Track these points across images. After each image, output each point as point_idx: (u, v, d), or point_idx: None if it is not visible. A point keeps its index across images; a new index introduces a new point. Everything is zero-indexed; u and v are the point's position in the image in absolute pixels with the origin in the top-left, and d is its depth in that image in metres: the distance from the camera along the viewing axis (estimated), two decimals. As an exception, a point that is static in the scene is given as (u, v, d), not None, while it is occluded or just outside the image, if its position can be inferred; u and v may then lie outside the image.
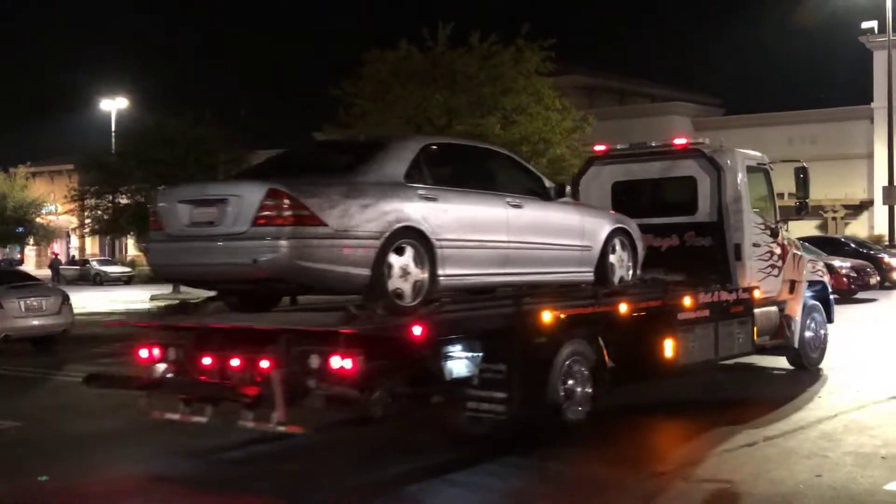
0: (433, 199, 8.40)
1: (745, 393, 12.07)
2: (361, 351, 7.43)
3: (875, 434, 9.34)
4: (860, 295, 25.59)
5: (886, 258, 29.61)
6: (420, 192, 8.34)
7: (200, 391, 8.29)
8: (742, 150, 13.14)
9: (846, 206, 47.04)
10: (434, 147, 9.14)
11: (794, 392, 11.86)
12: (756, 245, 12.44)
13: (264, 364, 7.66)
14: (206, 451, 9.27)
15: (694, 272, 11.80)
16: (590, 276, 10.27)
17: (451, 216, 8.52)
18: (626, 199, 12.49)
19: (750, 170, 12.82)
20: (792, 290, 13.18)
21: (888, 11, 36.05)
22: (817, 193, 47.17)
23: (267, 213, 7.42)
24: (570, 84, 40.65)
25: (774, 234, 12.88)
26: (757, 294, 12.08)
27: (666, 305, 10.56)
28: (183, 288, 25.40)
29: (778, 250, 12.90)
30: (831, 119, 48.44)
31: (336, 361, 7.44)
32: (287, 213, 7.38)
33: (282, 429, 7.56)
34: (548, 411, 8.89)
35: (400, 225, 7.97)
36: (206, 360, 8.20)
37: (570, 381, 9.12)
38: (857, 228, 45.09)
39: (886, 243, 36.49)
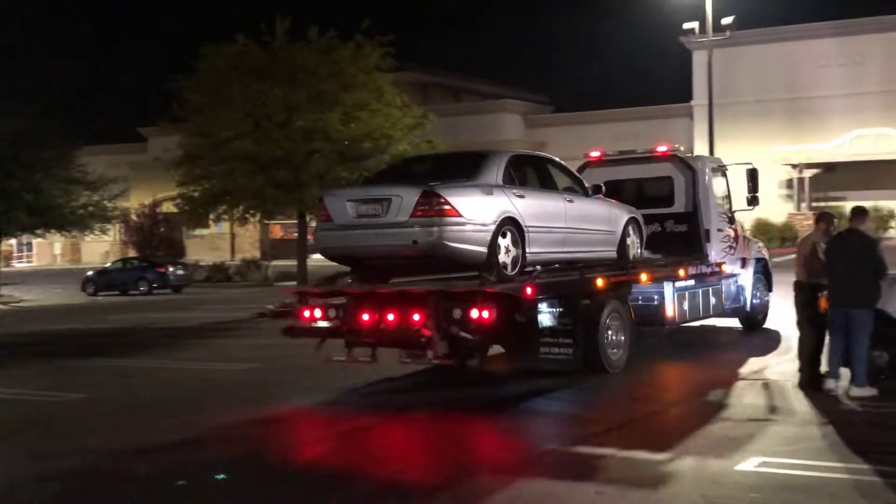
0: (522, 197, 11.34)
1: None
2: (493, 306, 10.31)
3: (724, 416, 9.86)
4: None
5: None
6: (514, 191, 11.26)
7: (386, 337, 11.03)
8: (707, 156, 17.60)
9: (669, 200, 49.09)
10: (516, 158, 12.11)
11: (645, 386, 12.32)
12: (720, 230, 15.58)
13: (416, 317, 10.55)
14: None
15: (673, 252, 14.78)
16: (613, 254, 13.27)
17: (534, 209, 11.47)
18: (615, 195, 14.26)
19: (713, 171, 15.81)
20: (744, 265, 16.27)
21: (707, 13, 37.81)
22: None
23: (422, 207, 10.29)
24: (405, 81, 40.85)
25: (731, 221, 16.18)
26: (724, 268, 15.37)
27: (669, 276, 13.79)
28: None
29: (733, 234, 16.11)
30: (654, 116, 50.53)
31: (475, 313, 10.34)
32: (436, 207, 10.27)
33: (436, 362, 10.69)
34: (596, 353, 12.01)
35: (505, 215, 10.89)
36: (365, 317, 11.05)
37: (610, 332, 12.27)
38: (680, 221, 47.12)
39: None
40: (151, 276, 38.03)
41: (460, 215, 10.34)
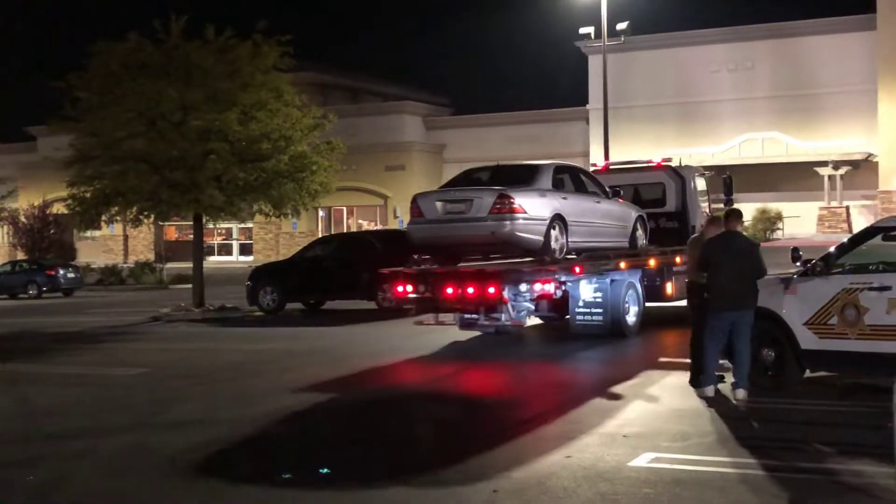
0: (565, 198, 14.75)
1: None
2: (553, 281, 13.80)
3: (615, 415, 10.01)
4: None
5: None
6: (560, 194, 14.70)
7: (469, 304, 13.90)
8: (693, 165, 20.89)
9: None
10: (559, 167, 15.53)
11: (537, 382, 12.47)
12: (702, 226, 16.43)
13: (491, 290, 13.37)
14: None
15: (666, 243, 17.71)
16: (626, 244, 16.57)
17: (574, 207, 14.79)
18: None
19: (696, 178, 19.02)
20: None
21: (603, 18, 38.50)
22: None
23: (498, 206, 13.51)
24: (304, 81, 40.57)
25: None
26: None
27: (668, 262, 17.10)
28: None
29: None
30: (552, 120, 51.18)
31: (539, 287, 13.76)
32: (508, 206, 13.52)
33: (509, 324, 14.00)
34: (620, 320, 15.65)
35: (556, 212, 14.20)
36: (449, 290, 13.79)
37: (627, 303, 15.87)
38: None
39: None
40: (41, 280, 36.95)
41: (525, 212, 13.64)
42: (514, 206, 13.47)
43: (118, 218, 26.24)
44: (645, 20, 49.58)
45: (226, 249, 58.79)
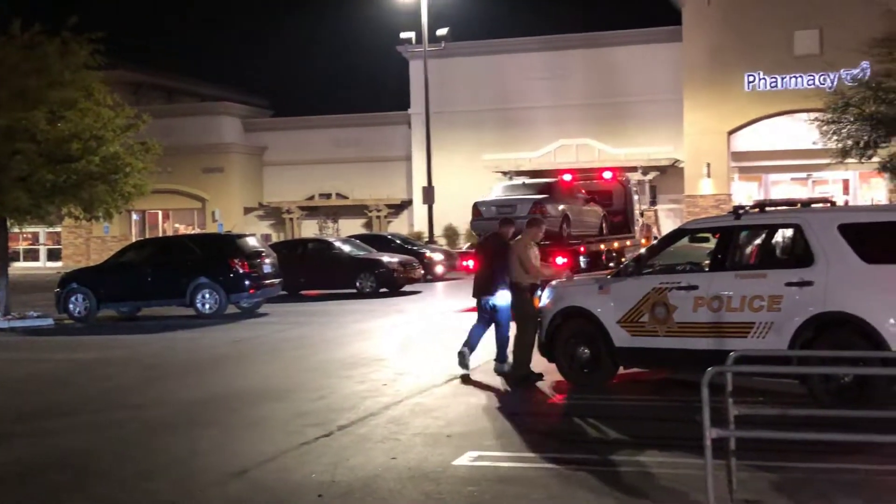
0: (568, 205, 20.93)
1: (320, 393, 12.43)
2: (569, 256, 19.28)
3: (438, 415, 10.09)
4: (407, 287, 27.35)
5: (428, 253, 31.91)
6: (565, 202, 20.92)
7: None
8: (631, 174, 29.35)
9: (389, 206, 50.02)
10: (563, 186, 22.11)
11: (361, 383, 12.42)
12: (637, 220, 25.28)
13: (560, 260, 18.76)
14: None
15: (615, 232, 23.65)
16: (597, 232, 22.72)
17: (573, 210, 21.10)
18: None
19: (634, 185, 25.94)
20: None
21: (423, 23, 38.87)
22: (363, 193, 50.15)
23: (535, 209, 19.05)
24: (116, 80, 39.07)
25: (641, 214, 26.98)
26: (643, 241, 24.53)
27: (622, 246, 23.16)
28: None
29: (642, 222, 26.72)
30: (374, 123, 51.21)
31: (560, 259, 18.71)
32: (539, 209, 19.06)
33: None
34: None
35: (564, 213, 20.35)
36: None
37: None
38: (399, 226, 48.12)
39: (426, 240, 39.34)
40: None
41: (549, 213, 19.27)
42: (542, 208, 19.37)
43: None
44: (465, 27, 50.33)
45: (32, 255, 55.97)
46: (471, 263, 21.25)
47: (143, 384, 13.25)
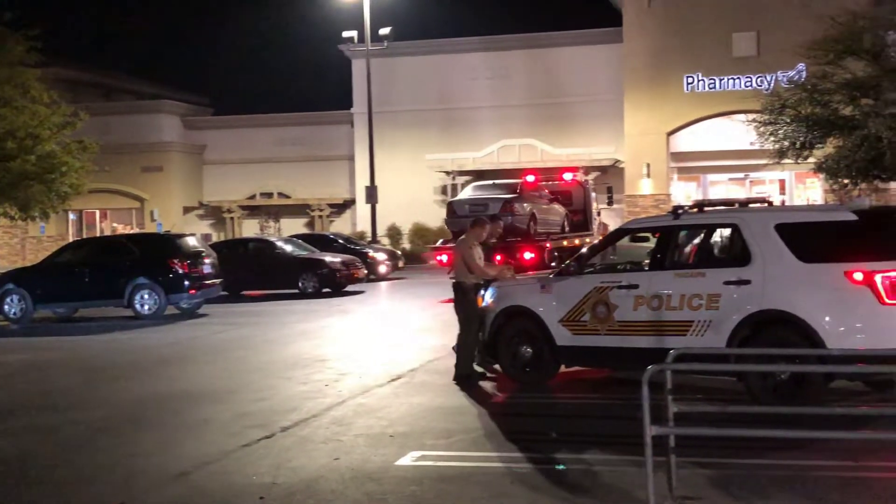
0: (535, 204, 22.76)
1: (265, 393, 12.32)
2: (537, 252, 20.93)
3: (381, 416, 10.07)
4: (350, 287, 27.25)
5: (371, 253, 31.82)
6: (532, 201, 22.76)
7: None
8: (588, 178, 30.75)
9: (331, 205, 49.79)
10: (531, 186, 23.51)
11: (304, 384, 12.35)
12: (594, 218, 26.68)
13: (498, 257, 17.52)
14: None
15: (575, 230, 25.11)
16: (560, 229, 24.24)
17: (539, 209, 22.79)
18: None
19: (590, 186, 27.68)
20: None
21: (366, 22, 38.77)
22: (305, 192, 49.86)
23: (504, 207, 20.87)
24: (53, 77, 38.37)
25: (598, 213, 28.50)
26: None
27: (582, 243, 22.37)
28: None
29: (599, 220, 28.20)
30: (316, 122, 50.93)
31: (527, 254, 20.67)
32: (508, 207, 21.05)
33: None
34: None
35: (532, 211, 22.21)
36: (499, 258, 18.20)
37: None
38: (342, 226, 47.91)
39: (369, 239, 39.24)
40: None
41: (518, 212, 21.16)
42: (511, 207, 21.03)
43: None
44: (408, 26, 50.27)
45: (-35, 255, 54.73)
46: (444, 258, 22.58)
47: (81, 386, 13.04)
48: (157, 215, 46.81)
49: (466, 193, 23.63)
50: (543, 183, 25.76)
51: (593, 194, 27.54)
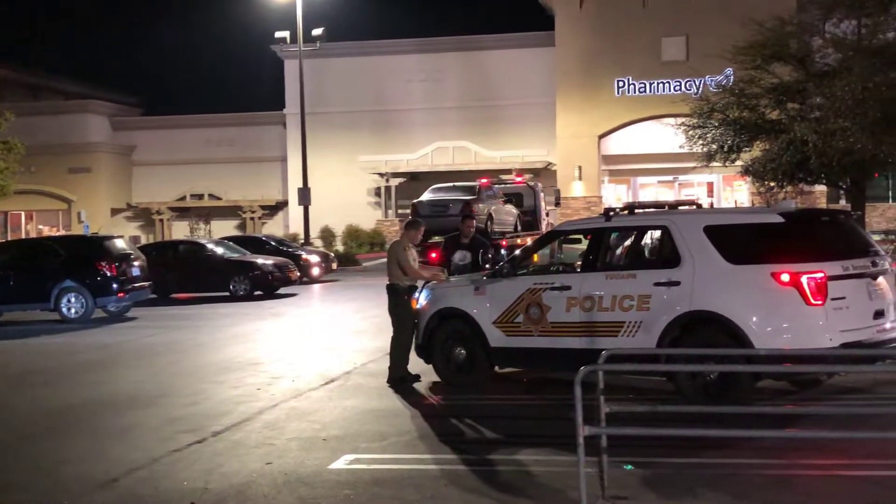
0: (492, 205, 24.61)
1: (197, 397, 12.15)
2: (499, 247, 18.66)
3: (314, 419, 10.00)
4: (283, 290, 27.01)
5: (304, 255, 31.55)
6: (490, 202, 24.65)
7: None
8: (538, 182, 32.66)
9: (263, 207, 49.42)
10: (488, 188, 25.68)
11: (236, 387, 12.21)
12: (543, 219, 28.62)
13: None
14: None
15: (526, 229, 26.31)
16: (512, 229, 25.60)
17: (496, 209, 24.67)
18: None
19: (541, 189, 29.63)
20: None
21: (299, 23, 38.53)
22: (236, 194, 49.42)
23: (466, 207, 20.84)
24: (-24, 76, 37.52)
25: (547, 214, 30.53)
26: None
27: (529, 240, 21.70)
28: None
29: (547, 221, 29.84)
30: (248, 123, 50.55)
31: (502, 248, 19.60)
32: (469, 208, 20.69)
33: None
34: None
35: (490, 212, 24.00)
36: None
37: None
38: (274, 228, 47.55)
39: (302, 242, 38.98)
40: None
41: (477, 212, 21.54)
42: (471, 207, 21.36)
43: None
44: (341, 27, 50.16)
45: None
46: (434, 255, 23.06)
47: (4, 392, 12.74)
48: (85, 217, 45.96)
49: (429, 195, 25.35)
50: (498, 185, 28.17)
51: (542, 195, 29.20)
